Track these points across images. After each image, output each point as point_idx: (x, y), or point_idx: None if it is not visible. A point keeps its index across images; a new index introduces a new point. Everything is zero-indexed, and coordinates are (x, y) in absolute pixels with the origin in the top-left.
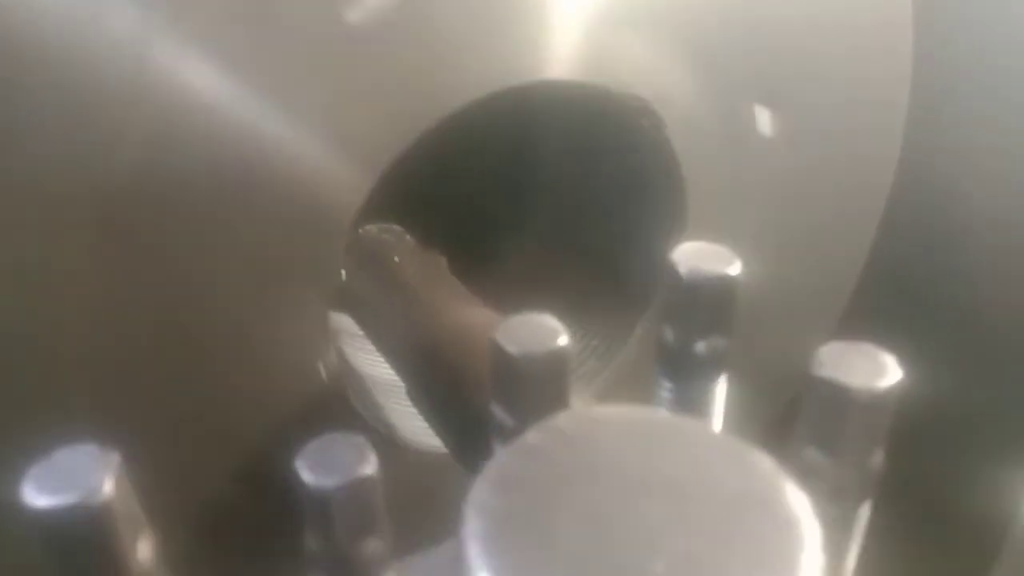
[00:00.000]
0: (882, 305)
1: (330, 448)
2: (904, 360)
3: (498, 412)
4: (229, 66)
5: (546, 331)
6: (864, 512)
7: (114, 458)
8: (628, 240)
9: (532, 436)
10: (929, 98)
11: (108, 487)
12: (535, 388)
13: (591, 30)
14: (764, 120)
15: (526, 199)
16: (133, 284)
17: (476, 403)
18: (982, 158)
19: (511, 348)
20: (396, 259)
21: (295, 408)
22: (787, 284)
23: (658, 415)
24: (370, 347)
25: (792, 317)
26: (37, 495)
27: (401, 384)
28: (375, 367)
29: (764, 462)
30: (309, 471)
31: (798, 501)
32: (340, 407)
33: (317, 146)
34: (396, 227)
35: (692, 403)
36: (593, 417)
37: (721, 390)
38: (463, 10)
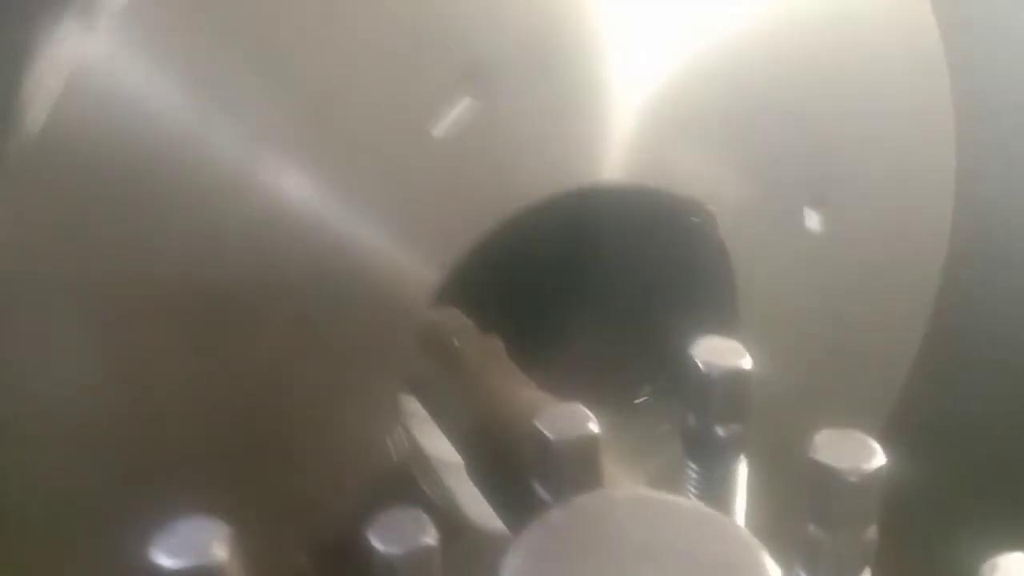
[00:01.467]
0: (933, 396)
1: (396, 521)
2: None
3: (538, 490)
4: (317, 175)
5: (580, 419)
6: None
7: (225, 529)
8: (680, 332)
9: (555, 514)
10: (977, 191)
11: (223, 554)
12: (568, 470)
13: (646, 134)
14: (814, 218)
15: (584, 291)
16: (226, 372)
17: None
18: None
19: (548, 433)
20: (456, 343)
21: (367, 484)
22: (837, 376)
23: (662, 497)
24: (436, 429)
25: (844, 408)
26: (165, 559)
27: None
28: (441, 448)
29: (744, 534)
30: (378, 541)
31: (770, 566)
32: (408, 485)
33: (393, 244)
34: (458, 312)
35: (715, 482)
36: (607, 498)
37: (742, 470)
38: (527, 120)
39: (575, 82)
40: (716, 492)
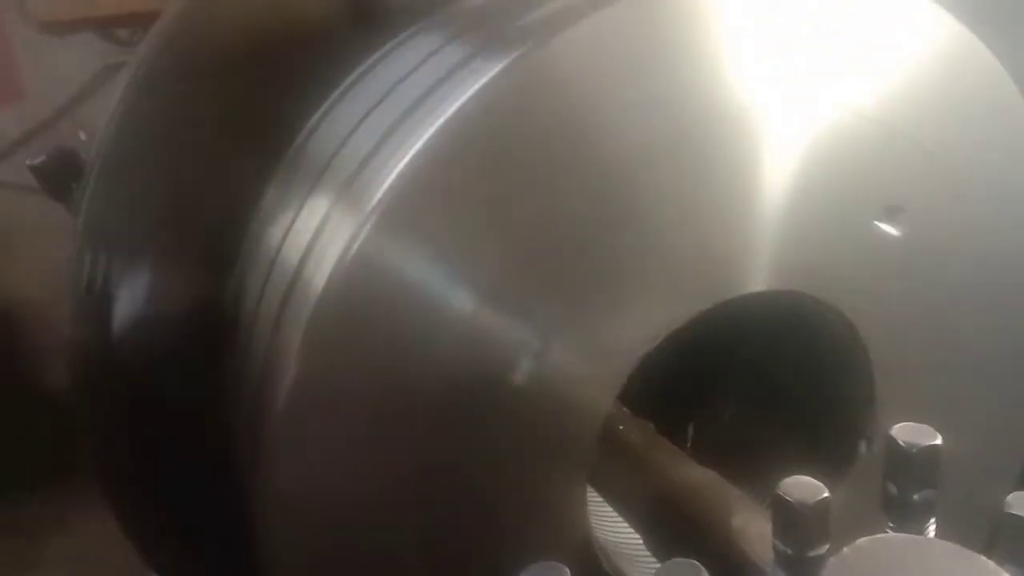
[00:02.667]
0: None
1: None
2: None
3: (778, 546)
4: (522, 309)
5: (813, 487)
6: None
7: (566, 570)
8: (821, 417)
9: (847, 552)
10: None
11: None
12: (808, 527)
13: (787, 245)
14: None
15: (738, 383)
16: (452, 473)
17: (707, 548)
18: None
19: (791, 499)
20: (620, 427)
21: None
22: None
23: (920, 538)
24: (615, 516)
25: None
26: None
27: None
28: (619, 535)
29: (987, 562)
30: None
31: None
32: (590, 564)
33: (584, 361)
34: (626, 410)
35: None
36: (882, 541)
37: (932, 530)
38: (686, 240)
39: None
40: None
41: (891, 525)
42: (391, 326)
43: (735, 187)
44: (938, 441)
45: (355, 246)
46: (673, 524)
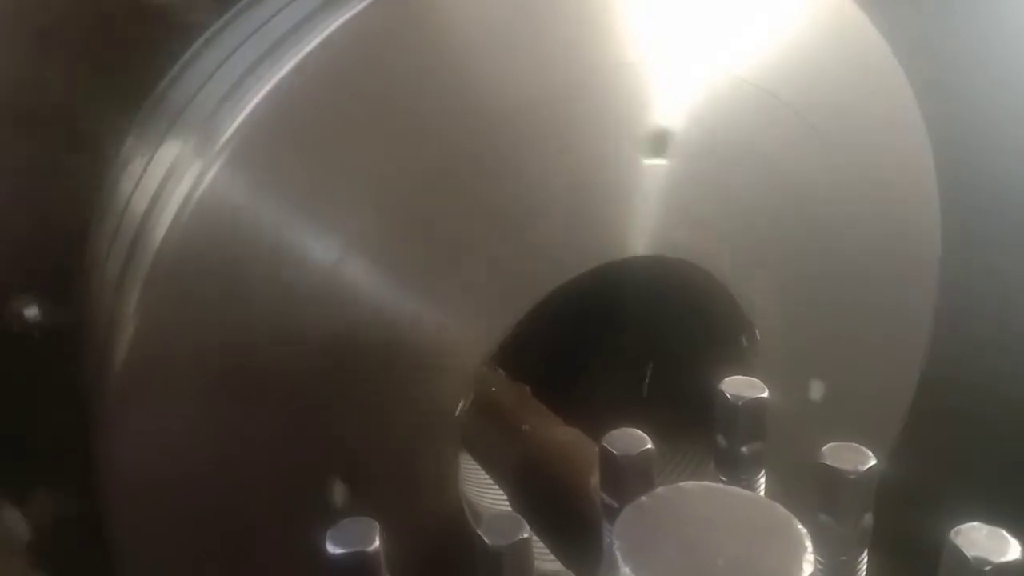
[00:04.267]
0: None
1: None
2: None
3: (604, 498)
4: (387, 264)
5: (637, 439)
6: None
7: (377, 526)
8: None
9: (644, 500)
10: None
11: (376, 544)
12: (631, 479)
13: (663, 212)
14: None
15: (615, 346)
16: (309, 435)
17: (567, 505)
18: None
19: (615, 452)
20: (493, 389)
21: (426, 533)
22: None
23: (719, 487)
24: (487, 480)
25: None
26: (335, 546)
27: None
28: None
29: (779, 508)
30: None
31: (799, 528)
32: (465, 533)
33: (453, 321)
34: (499, 371)
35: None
36: (680, 489)
37: (762, 484)
38: (567, 205)
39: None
40: None
41: (722, 479)
42: (239, 279)
43: (618, 148)
44: (765, 395)
45: (196, 193)
46: (536, 482)
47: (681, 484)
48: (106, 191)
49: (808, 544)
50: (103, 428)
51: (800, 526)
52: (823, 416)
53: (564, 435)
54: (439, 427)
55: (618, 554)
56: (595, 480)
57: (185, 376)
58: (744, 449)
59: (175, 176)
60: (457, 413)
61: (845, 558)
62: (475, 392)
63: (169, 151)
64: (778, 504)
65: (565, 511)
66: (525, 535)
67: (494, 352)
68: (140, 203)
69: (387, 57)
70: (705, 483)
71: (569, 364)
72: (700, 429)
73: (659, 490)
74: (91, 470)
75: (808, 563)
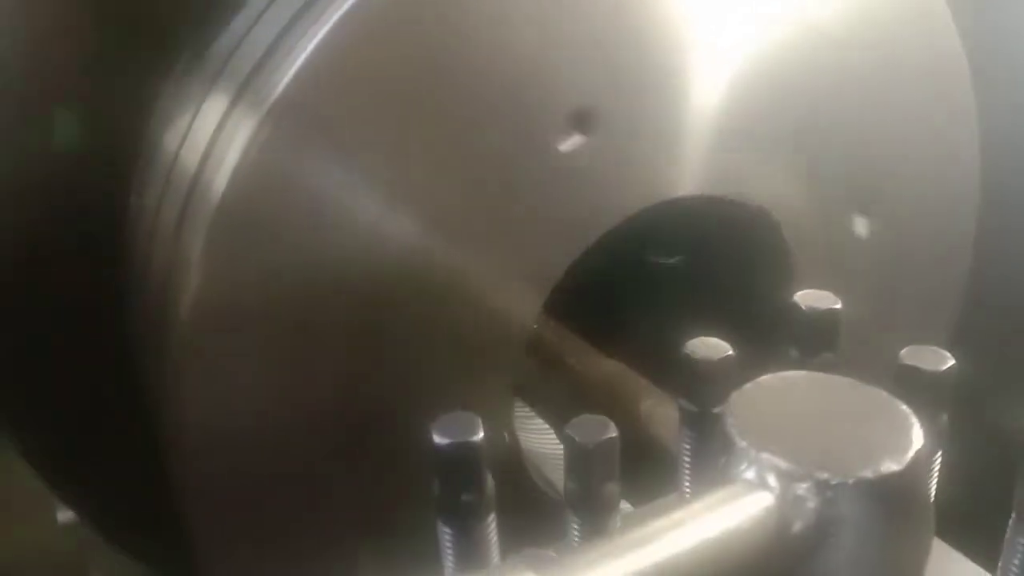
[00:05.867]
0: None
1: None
2: None
3: (686, 404)
4: (440, 219)
5: (719, 346)
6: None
7: (479, 419)
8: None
9: (750, 386)
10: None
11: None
12: (715, 383)
13: (719, 152)
14: (860, 224)
15: (669, 289)
16: (372, 375)
17: (629, 435)
18: None
19: (698, 358)
20: (544, 335)
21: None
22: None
23: (816, 375)
24: (541, 425)
25: None
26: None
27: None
28: (544, 444)
29: (883, 393)
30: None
31: (903, 407)
32: (518, 473)
33: (505, 268)
34: (554, 320)
35: None
36: (784, 377)
37: None
38: (617, 152)
39: (658, 114)
40: None
41: None
42: (297, 229)
43: (664, 94)
44: (838, 305)
45: (254, 146)
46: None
47: (784, 372)
48: (147, 143)
49: (915, 421)
50: (168, 380)
51: (904, 406)
52: (879, 321)
53: (610, 367)
54: (493, 373)
55: (734, 432)
56: (645, 406)
57: (248, 326)
58: (815, 360)
59: (228, 130)
60: (511, 360)
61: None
62: (527, 338)
63: (216, 104)
64: (880, 389)
65: None
66: (613, 435)
67: (545, 299)
68: (191, 157)
69: (434, 7)
70: (806, 371)
71: (618, 309)
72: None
73: (762, 378)
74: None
75: (919, 437)
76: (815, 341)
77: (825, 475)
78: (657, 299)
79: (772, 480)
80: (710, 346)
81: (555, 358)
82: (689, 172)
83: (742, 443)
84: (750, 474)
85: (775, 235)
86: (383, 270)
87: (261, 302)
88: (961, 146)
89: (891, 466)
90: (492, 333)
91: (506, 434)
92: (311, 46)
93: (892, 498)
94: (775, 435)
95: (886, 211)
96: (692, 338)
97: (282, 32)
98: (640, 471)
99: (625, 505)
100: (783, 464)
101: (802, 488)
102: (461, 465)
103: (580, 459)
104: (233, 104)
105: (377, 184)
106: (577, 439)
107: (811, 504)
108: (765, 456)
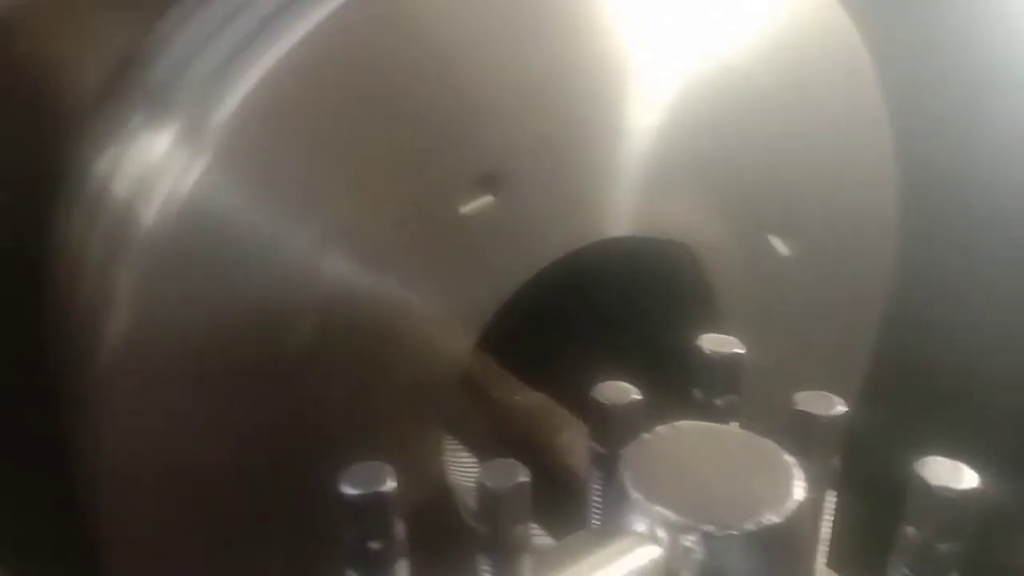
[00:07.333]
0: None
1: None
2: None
3: (595, 446)
4: (372, 258)
5: (626, 390)
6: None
7: (389, 468)
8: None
9: (647, 437)
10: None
11: (390, 484)
12: (621, 427)
13: (637, 192)
14: (780, 246)
15: (594, 325)
16: (295, 423)
17: (536, 465)
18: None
19: (605, 402)
20: (476, 371)
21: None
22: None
23: (711, 425)
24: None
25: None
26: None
27: None
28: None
29: (769, 443)
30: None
31: (788, 458)
32: (447, 509)
33: (435, 310)
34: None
35: None
36: (677, 427)
37: None
38: (544, 191)
39: (568, 168)
40: None
41: None
42: (228, 264)
43: (599, 133)
44: (742, 351)
45: (188, 180)
46: (507, 446)
47: (677, 423)
48: (75, 171)
49: (797, 472)
50: (88, 415)
51: (789, 457)
52: (788, 368)
53: (534, 399)
54: (424, 410)
55: (628, 483)
56: (565, 437)
57: (173, 362)
58: (719, 401)
59: (164, 162)
60: (442, 397)
61: (815, 496)
62: (460, 375)
63: (152, 133)
64: (767, 439)
65: (533, 468)
66: (524, 479)
67: (479, 336)
68: (122, 186)
69: (378, 44)
70: (700, 422)
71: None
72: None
73: (658, 428)
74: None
75: (800, 488)
76: (718, 384)
77: (711, 527)
78: (585, 336)
79: (661, 532)
80: (618, 390)
81: (482, 392)
82: (608, 215)
83: (635, 495)
84: (641, 525)
85: (696, 268)
86: (315, 308)
87: (190, 340)
88: (874, 165)
89: (772, 518)
90: (424, 372)
91: (435, 470)
92: (253, 82)
93: (773, 548)
94: (666, 487)
95: (803, 234)
96: (606, 378)
97: (223, 64)
98: (560, 501)
99: (545, 539)
100: (672, 517)
101: (688, 540)
102: (370, 515)
103: (491, 504)
104: (169, 134)
105: (310, 222)
106: (488, 484)
107: (697, 556)
108: (656, 509)
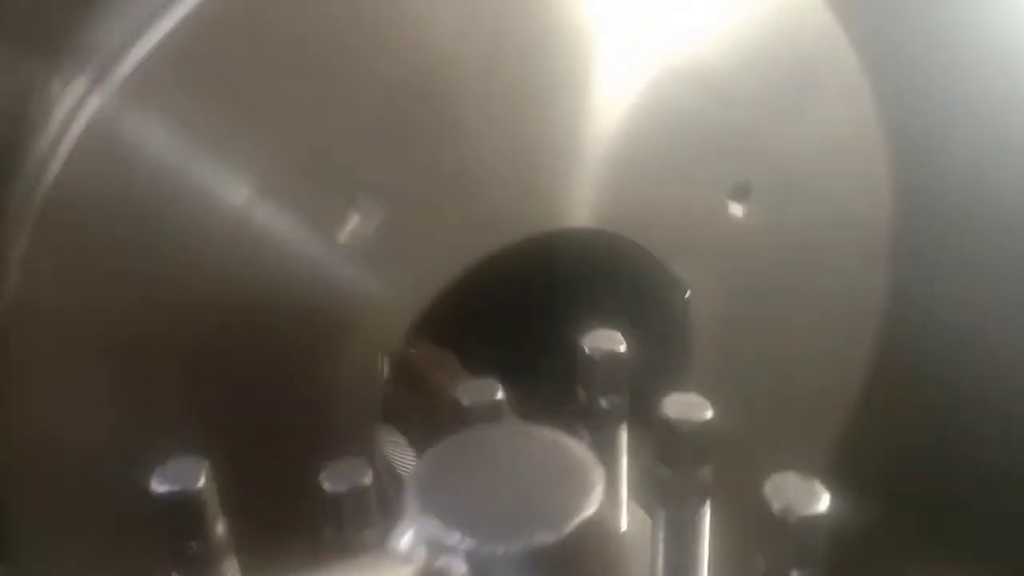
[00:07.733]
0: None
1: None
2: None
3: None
4: (304, 221)
5: (486, 387)
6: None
7: (205, 464)
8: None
9: (447, 442)
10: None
11: (202, 482)
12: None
13: (605, 182)
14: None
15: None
16: (218, 403)
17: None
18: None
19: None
20: (413, 351)
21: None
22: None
23: (527, 427)
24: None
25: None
26: (160, 484)
27: None
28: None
29: (584, 450)
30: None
31: (597, 468)
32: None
33: (374, 287)
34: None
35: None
36: (486, 431)
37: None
38: (499, 169)
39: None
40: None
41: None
42: (139, 223)
43: (559, 118)
44: (623, 348)
45: (89, 133)
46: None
47: (491, 426)
48: (22, 138)
49: (601, 484)
50: None
51: (598, 466)
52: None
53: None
54: (355, 396)
55: (406, 495)
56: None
57: (75, 332)
58: (603, 401)
59: (77, 117)
60: (376, 381)
61: (687, 510)
62: (403, 368)
63: (75, 91)
64: (583, 446)
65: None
66: (366, 481)
67: (418, 319)
68: (42, 145)
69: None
70: (516, 424)
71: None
72: None
73: (463, 432)
74: None
75: (595, 502)
76: (600, 385)
77: (471, 544)
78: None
79: (423, 550)
80: (482, 387)
81: (420, 380)
82: (563, 206)
83: (411, 509)
84: (405, 542)
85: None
86: (232, 274)
87: (89, 309)
88: (860, 166)
89: (547, 536)
90: (354, 353)
91: (375, 461)
92: (165, 29)
93: (547, 571)
94: (443, 499)
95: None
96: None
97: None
98: None
99: None
100: (433, 532)
101: (447, 560)
102: (183, 514)
103: (332, 507)
104: (86, 89)
105: (231, 178)
106: (327, 487)
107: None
108: (421, 523)
